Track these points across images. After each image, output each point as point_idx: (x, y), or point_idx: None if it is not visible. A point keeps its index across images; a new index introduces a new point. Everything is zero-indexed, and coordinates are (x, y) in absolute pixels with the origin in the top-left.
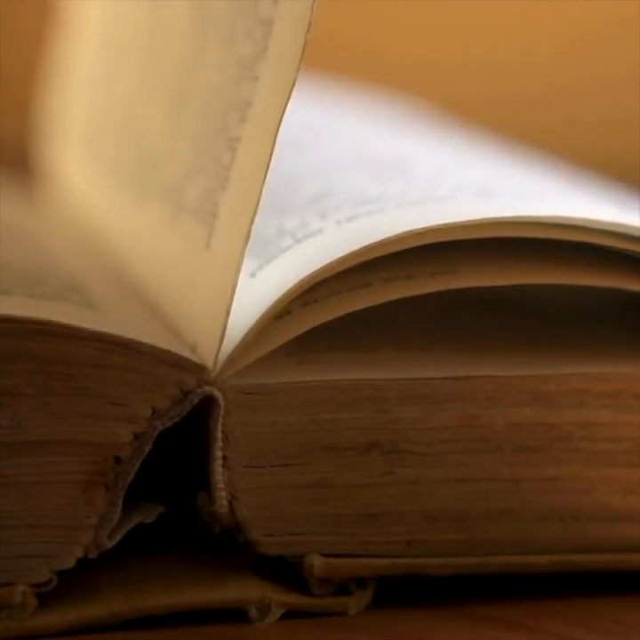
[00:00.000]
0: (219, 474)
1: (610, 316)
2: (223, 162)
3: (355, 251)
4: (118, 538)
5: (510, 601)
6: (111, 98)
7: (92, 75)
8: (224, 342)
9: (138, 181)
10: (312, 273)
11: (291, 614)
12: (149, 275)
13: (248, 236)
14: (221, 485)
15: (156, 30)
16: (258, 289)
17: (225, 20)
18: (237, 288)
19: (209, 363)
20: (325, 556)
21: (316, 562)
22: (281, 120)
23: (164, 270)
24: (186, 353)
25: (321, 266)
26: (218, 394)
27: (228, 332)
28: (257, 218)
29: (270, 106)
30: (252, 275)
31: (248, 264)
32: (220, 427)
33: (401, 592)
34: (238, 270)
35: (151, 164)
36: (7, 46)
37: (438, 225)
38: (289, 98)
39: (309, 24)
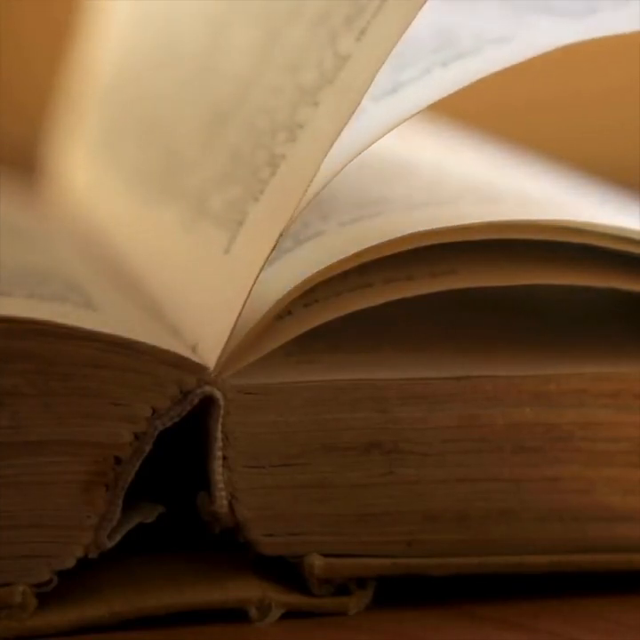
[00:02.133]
0: (219, 474)
1: (610, 316)
2: (260, 175)
3: (355, 252)
4: (118, 538)
5: (510, 601)
6: (140, 100)
7: (117, 77)
8: (224, 342)
9: (159, 183)
10: (313, 274)
11: (291, 614)
12: (153, 274)
13: (274, 246)
14: (221, 485)
15: (213, 48)
16: (259, 289)
17: (295, 48)
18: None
19: (210, 363)
20: (325, 555)
21: (316, 562)
22: (331, 145)
23: (172, 271)
24: (186, 353)
25: (323, 266)
26: (218, 394)
27: (228, 331)
28: None
29: (326, 130)
30: None
31: None
32: (220, 427)
33: (401, 592)
34: (257, 276)
35: (177, 169)
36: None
37: (439, 227)
38: (345, 124)
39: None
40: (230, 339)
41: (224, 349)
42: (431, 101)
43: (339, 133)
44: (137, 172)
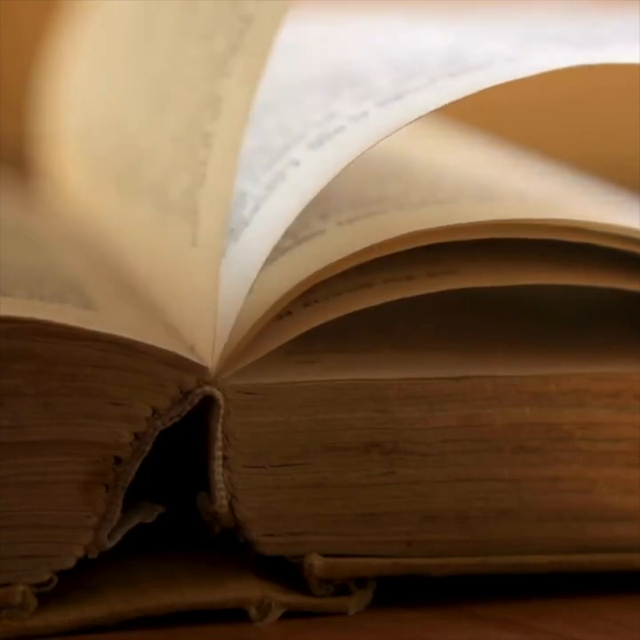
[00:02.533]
0: (219, 474)
1: (610, 316)
2: (199, 158)
3: (355, 251)
4: (118, 538)
5: (510, 601)
6: (102, 97)
7: (86, 74)
8: (224, 342)
9: (126, 181)
10: (312, 273)
11: (291, 614)
12: (146, 274)
13: (226, 233)
14: (221, 485)
15: (145, 28)
16: (259, 289)
17: (205, 16)
18: (236, 278)
19: (210, 363)
20: (325, 555)
21: (316, 562)
22: (249, 114)
23: (159, 270)
24: (186, 353)
25: (321, 266)
26: (218, 394)
27: (228, 331)
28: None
29: (240, 101)
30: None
31: None
32: (220, 427)
33: (401, 592)
34: (218, 269)
35: (137, 163)
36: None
37: (438, 227)
38: (257, 91)
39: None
40: (230, 339)
41: (224, 349)
42: (435, 107)
43: (251, 103)
44: (109, 170)
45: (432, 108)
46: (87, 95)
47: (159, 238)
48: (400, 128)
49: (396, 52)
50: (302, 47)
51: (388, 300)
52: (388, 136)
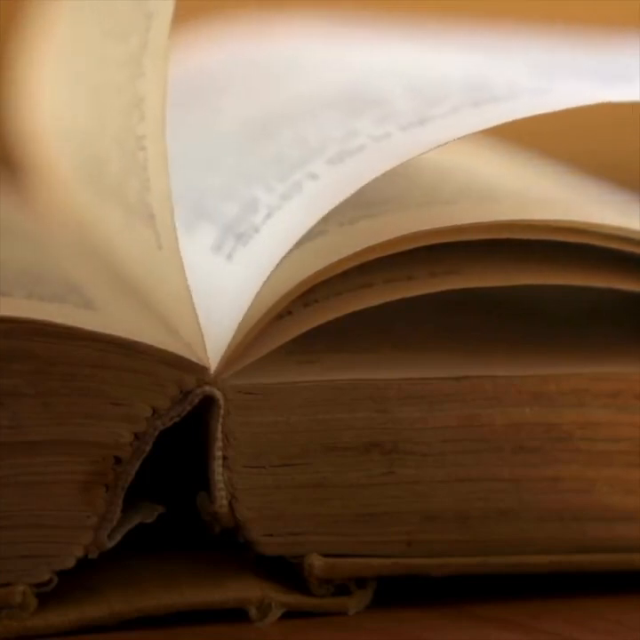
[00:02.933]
0: (219, 474)
1: (610, 316)
2: (140, 162)
3: (355, 252)
4: (118, 538)
5: (510, 601)
6: (57, 101)
7: (47, 76)
8: (224, 342)
9: (95, 185)
10: (313, 274)
11: (291, 614)
12: (134, 276)
13: (176, 235)
14: (221, 485)
15: (75, 30)
16: (259, 289)
17: (123, 16)
18: (256, 290)
19: (210, 363)
20: (325, 555)
21: (316, 562)
22: (165, 113)
23: (139, 273)
24: (185, 353)
25: (323, 266)
26: (218, 394)
27: (225, 328)
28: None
29: (155, 100)
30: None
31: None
32: (220, 427)
33: (401, 592)
34: (184, 270)
35: (98, 168)
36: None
37: (439, 227)
38: (166, 90)
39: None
40: (228, 338)
41: (224, 349)
42: (459, 136)
43: (164, 101)
44: (81, 172)
45: (456, 136)
46: (48, 98)
47: (131, 242)
48: (421, 153)
49: (417, 76)
50: (316, 65)
51: (388, 299)
52: (404, 160)
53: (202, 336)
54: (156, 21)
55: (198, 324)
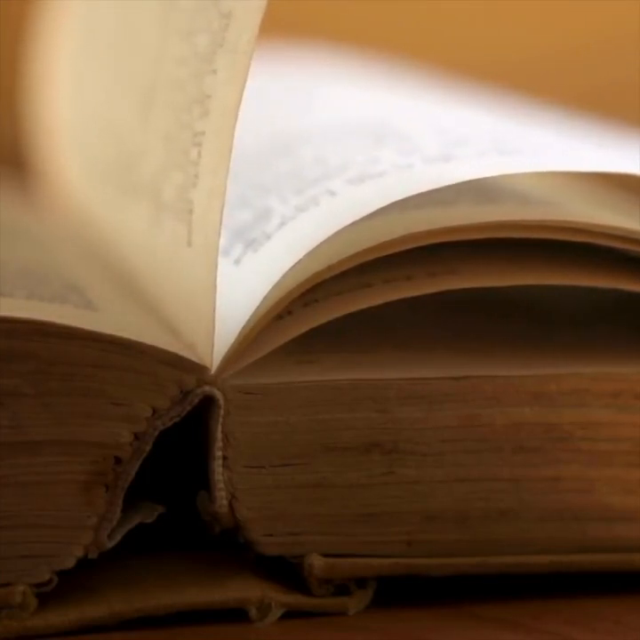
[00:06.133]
0: (219, 474)
1: (610, 316)
2: (191, 157)
3: (355, 251)
4: (118, 538)
5: (510, 601)
6: (91, 97)
7: (75, 73)
8: (224, 342)
9: (121, 181)
10: (313, 274)
11: (291, 614)
12: (145, 274)
13: (220, 232)
14: (221, 485)
15: (126, 25)
16: (259, 289)
17: (186, 12)
18: (253, 286)
19: (210, 363)
20: (325, 555)
21: (316, 562)
22: (238, 112)
23: (157, 270)
24: (185, 353)
25: (323, 266)
26: (218, 394)
27: (228, 331)
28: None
29: (228, 98)
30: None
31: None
32: (220, 427)
33: (401, 592)
34: (216, 269)
35: (129, 164)
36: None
37: (438, 227)
38: (244, 89)
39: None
40: (228, 338)
41: (224, 349)
42: (483, 175)
43: (239, 101)
44: (104, 169)
45: (479, 176)
46: (76, 94)
47: (156, 238)
48: (441, 186)
49: (443, 120)
50: (345, 97)
51: (388, 300)
52: (428, 190)
53: (212, 336)
54: (236, 20)
55: (212, 323)
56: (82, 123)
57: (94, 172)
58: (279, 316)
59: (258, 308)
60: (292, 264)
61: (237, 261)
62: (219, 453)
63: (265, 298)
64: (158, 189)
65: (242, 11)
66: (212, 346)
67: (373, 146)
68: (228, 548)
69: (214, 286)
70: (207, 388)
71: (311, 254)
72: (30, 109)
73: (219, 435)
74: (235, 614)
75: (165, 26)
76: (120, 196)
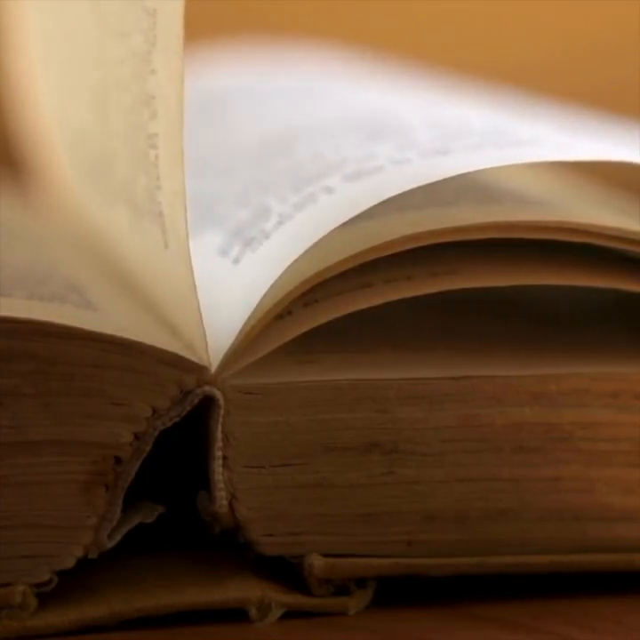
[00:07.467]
0: (219, 474)
1: (610, 316)
2: (151, 159)
3: (355, 252)
4: (118, 538)
5: (510, 601)
6: (57, 101)
7: (42, 77)
8: (224, 342)
9: (100, 184)
10: (313, 274)
11: (291, 614)
12: (141, 275)
13: (187, 234)
14: (221, 485)
15: (64, 29)
16: (259, 289)
17: (116, 12)
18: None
19: (210, 363)
20: (325, 555)
21: (316, 562)
22: (182, 112)
23: (146, 271)
24: (185, 353)
25: (323, 267)
26: (218, 394)
27: (228, 331)
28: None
29: (170, 98)
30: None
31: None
32: (220, 427)
33: (401, 592)
34: (192, 271)
35: (104, 167)
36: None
37: (438, 228)
38: (183, 88)
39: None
40: (228, 338)
41: (224, 349)
42: (482, 167)
43: (182, 99)
44: (85, 172)
45: (476, 168)
46: (49, 98)
47: (138, 241)
48: (440, 179)
49: (438, 114)
50: (340, 94)
51: (388, 300)
52: (425, 184)
53: (204, 336)
54: (162, 17)
55: (201, 323)
56: (59, 126)
57: (80, 173)
58: (279, 316)
59: (258, 307)
60: (289, 263)
61: (236, 261)
62: (219, 453)
63: (265, 297)
64: (132, 192)
65: (164, 6)
66: (206, 346)
67: (370, 140)
68: (228, 548)
69: (194, 288)
70: (207, 388)
71: (310, 254)
72: (17, 110)
73: (219, 435)
74: (235, 614)
75: (100, 27)
76: (103, 199)
